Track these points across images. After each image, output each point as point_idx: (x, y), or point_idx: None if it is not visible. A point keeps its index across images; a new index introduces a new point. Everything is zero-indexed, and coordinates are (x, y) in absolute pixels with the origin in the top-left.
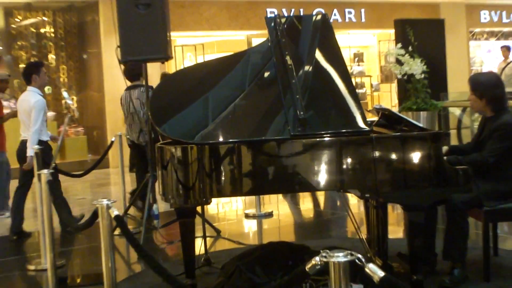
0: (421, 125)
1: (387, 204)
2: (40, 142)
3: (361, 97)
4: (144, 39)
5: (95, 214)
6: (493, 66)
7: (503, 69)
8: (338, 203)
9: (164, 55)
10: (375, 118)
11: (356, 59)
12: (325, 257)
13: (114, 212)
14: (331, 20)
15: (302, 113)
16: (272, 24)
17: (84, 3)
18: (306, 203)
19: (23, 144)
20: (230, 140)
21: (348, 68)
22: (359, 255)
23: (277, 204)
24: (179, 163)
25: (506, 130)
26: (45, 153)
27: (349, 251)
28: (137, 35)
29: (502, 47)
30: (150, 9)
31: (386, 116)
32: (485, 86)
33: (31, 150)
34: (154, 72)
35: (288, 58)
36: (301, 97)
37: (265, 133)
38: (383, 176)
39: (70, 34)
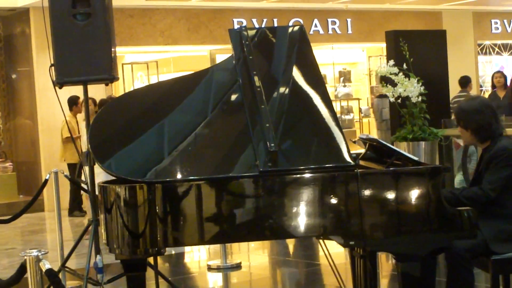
0: (416, 158)
1: (376, 253)
2: None
3: (348, 124)
4: (84, 56)
5: (22, 268)
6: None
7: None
8: (321, 252)
9: (109, 75)
10: (362, 150)
11: (342, 78)
12: None
13: (46, 265)
14: (311, 32)
15: (273, 145)
16: (238, 38)
17: (12, 11)
18: (281, 251)
19: None
20: (189, 177)
21: (332, 89)
22: None
23: (247, 254)
24: (126, 206)
25: (503, 157)
26: None
27: None
28: (75, 51)
29: (495, 73)
30: (90, 20)
31: (374, 148)
32: (466, 114)
33: None
34: (98, 96)
35: (256, 79)
36: (272, 126)
37: (231, 169)
38: (370, 219)
39: None
